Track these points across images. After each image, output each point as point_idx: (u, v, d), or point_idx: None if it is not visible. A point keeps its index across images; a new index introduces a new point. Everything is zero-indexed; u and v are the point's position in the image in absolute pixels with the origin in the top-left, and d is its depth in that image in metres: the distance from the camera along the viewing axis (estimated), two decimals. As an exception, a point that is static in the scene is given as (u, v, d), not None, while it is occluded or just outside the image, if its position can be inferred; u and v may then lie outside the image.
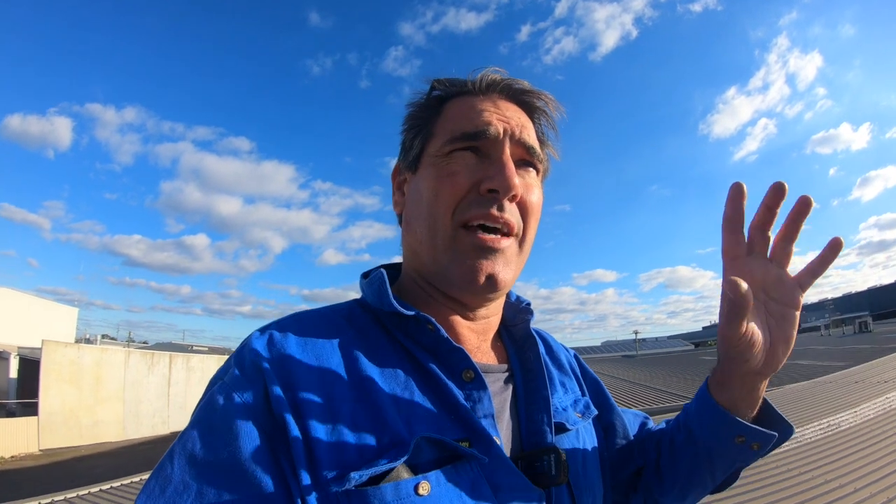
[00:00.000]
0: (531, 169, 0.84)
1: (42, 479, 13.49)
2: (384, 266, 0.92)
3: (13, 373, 23.13)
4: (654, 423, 1.11)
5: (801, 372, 16.62)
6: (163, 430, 22.01)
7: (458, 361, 0.75)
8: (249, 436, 0.60)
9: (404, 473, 0.61)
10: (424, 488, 0.61)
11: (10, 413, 19.85)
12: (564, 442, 0.82)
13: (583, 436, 0.89)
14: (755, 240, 0.74)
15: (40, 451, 17.58)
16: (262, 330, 0.73)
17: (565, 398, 0.92)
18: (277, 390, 0.64)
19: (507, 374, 0.85)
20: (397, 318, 0.77)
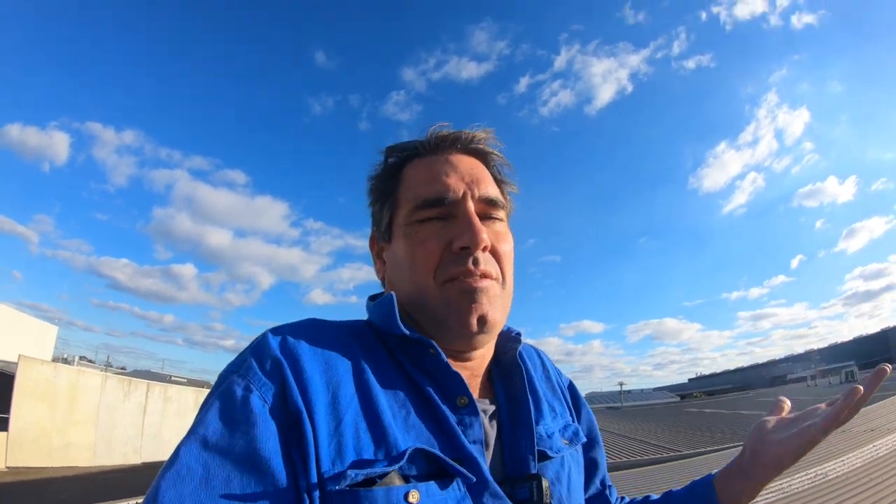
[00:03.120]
0: (496, 221, 0.89)
1: (8, 497, 13.09)
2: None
3: (-15, 386, 22.62)
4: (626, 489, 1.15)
5: (787, 422, 16.55)
6: (135, 459, 21.33)
7: (454, 387, 0.78)
8: (267, 428, 0.64)
9: (397, 480, 0.65)
10: (414, 497, 0.64)
11: (-21, 427, 19.38)
12: (549, 469, 0.84)
13: (568, 463, 0.90)
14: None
15: (7, 468, 17.04)
16: (276, 330, 0.76)
17: (553, 424, 0.93)
18: (293, 388, 0.67)
19: (493, 406, 0.87)
20: (401, 340, 0.81)
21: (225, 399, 0.66)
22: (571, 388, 1.10)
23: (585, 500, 0.99)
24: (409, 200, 0.86)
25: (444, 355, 0.78)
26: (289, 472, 0.62)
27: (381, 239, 0.94)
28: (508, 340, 0.95)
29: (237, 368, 0.70)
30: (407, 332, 0.79)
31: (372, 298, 0.92)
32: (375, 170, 0.96)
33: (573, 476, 0.90)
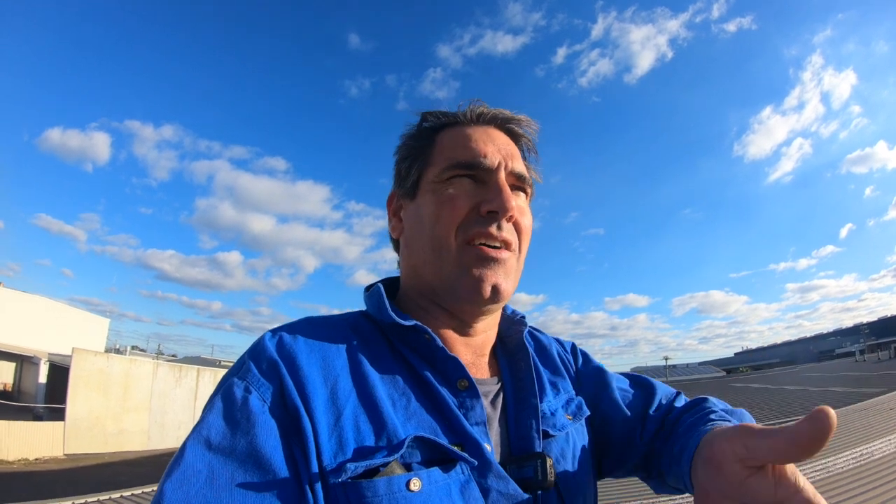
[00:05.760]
0: (522, 194, 0.92)
1: (66, 482, 13.72)
2: (386, 280, 0.98)
3: (42, 378, 23.72)
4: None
5: (835, 399, 16.19)
6: (187, 441, 22.10)
7: (452, 371, 0.80)
8: (267, 427, 0.65)
9: (397, 469, 0.66)
10: (416, 485, 0.65)
11: (37, 417, 20.42)
12: (554, 446, 0.85)
13: (573, 438, 0.90)
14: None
15: (65, 455, 17.93)
16: (274, 332, 0.79)
17: (556, 401, 0.93)
18: (291, 386, 0.69)
19: (498, 385, 0.89)
20: (397, 328, 0.83)
21: (226, 401, 0.68)
22: (574, 350, 1.11)
23: (616, 446, 0.96)
24: (443, 161, 0.88)
25: (438, 340, 0.80)
26: (291, 468, 0.63)
27: (402, 196, 0.95)
28: (513, 324, 0.97)
29: (237, 371, 0.72)
30: (399, 319, 0.81)
31: (367, 290, 0.93)
32: (410, 129, 0.98)
33: (578, 451, 0.90)
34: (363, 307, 0.92)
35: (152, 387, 21.50)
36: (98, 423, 19.09)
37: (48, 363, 23.85)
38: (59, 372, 21.56)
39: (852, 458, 6.26)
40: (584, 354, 1.11)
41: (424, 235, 0.86)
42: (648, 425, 0.96)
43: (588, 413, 0.96)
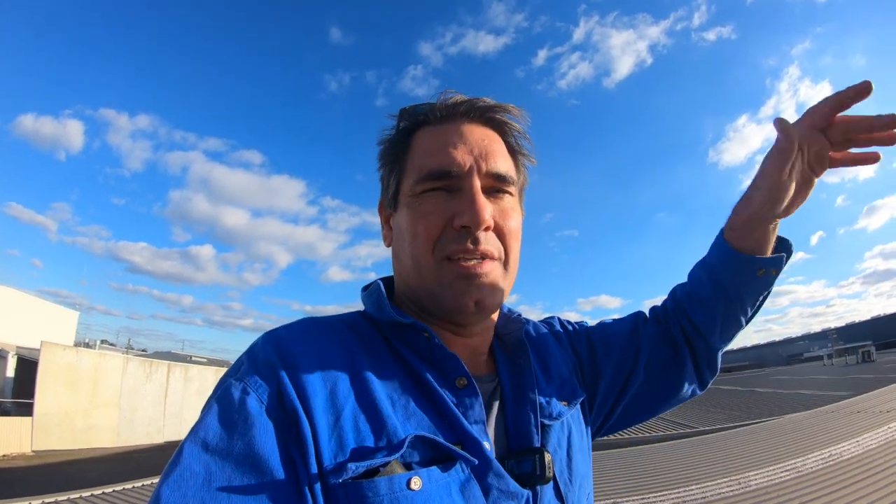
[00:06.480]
0: (505, 195, 0.86)
1: (34, 480, 13.43)
2: (384, 279, 0.96)
3: (10, 372, 23.12)
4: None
5: (804, 401, 16.52)
6: (157, 438, 21.90)
7: (451, 369, 0.79)
8: (264, 428, 0.64)
9: (398, 469, 0.65)
10: (416, 483, 0.65)
11: (4, 412, 19.87)
12: (551, 436, 0.85)
13: (568, 424, 0.91)
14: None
15: (33, 451, 17.52)
16: (271, 333, 0.78)
17: (549, 388, 0.92)
18: (289, 388, 0.68)
19: (495, 381, 0.88)
20: (395, 327, 0.82)
21: (223, 402, 0.67)
22: (561, 323, 1.12)
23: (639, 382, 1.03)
24: (415, 170, 0.84)
25: (437, 338, 0.79)
26: (288, 470, 0.63)
27: (388, 206, 0.93)
28: (510, 322, 0.97)
29: (234, 372, 0.72)
30: (398, 317, 0.80)
31: (365, 289, 0.92)
32: (385, 134, 0.93)
33: (574, 438, 0.90)
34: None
35: (122, 382, 21.13)
36: (67, 418, 18.68)
37: (16, 356, 23.26)
38: (28, 366, 21.04)
39: (821, 459, 6.38)
40: (568, 325, 1.13)
41: (406, 250, 0.84)
42: (644, 336, 1.06)
43: (583, 396, 0.98)
